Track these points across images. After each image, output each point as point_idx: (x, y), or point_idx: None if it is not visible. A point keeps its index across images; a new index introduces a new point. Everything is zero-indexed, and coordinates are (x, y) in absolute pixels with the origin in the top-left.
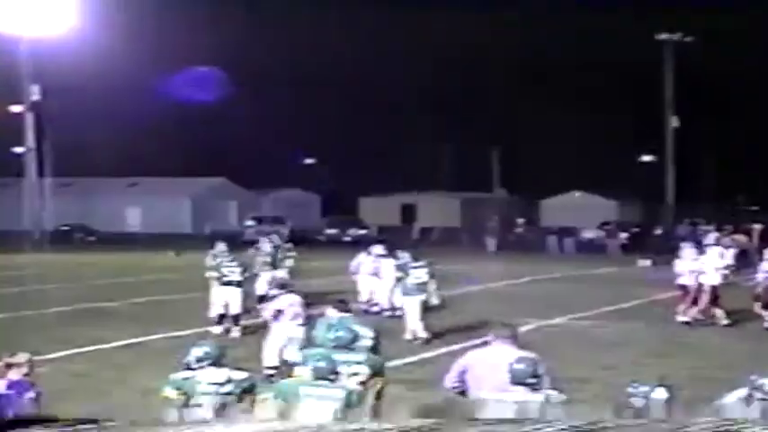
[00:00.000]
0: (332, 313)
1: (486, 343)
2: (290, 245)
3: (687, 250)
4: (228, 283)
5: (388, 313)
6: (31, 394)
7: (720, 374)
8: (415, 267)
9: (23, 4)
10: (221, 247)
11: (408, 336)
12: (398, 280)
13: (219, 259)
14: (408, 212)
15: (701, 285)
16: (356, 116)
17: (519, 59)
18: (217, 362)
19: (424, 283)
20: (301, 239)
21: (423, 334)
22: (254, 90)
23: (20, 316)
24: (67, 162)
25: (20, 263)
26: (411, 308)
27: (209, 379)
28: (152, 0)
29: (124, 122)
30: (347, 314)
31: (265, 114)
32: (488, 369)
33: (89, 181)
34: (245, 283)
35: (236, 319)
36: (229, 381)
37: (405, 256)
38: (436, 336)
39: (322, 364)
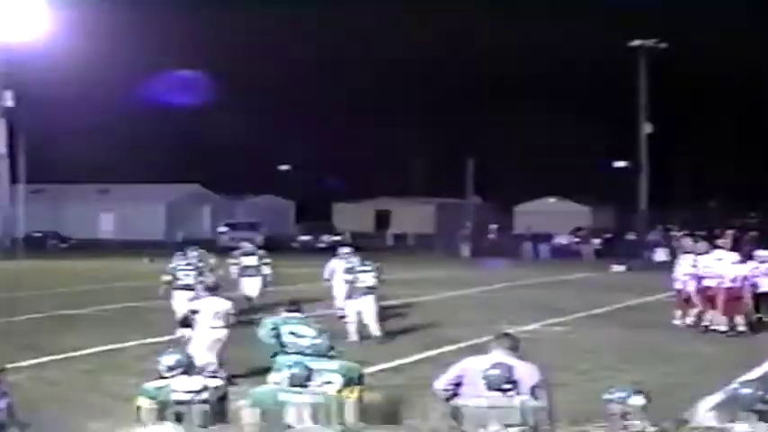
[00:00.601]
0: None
1: (484, 350)
2: (263, 252)
3: (686, 255)
4: (183, 288)
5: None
6: (1, 404)
7: (692, 380)
8: (364, 271)
9: None
10: (193, 252)
11: (354, 338)
12: (348, 283)
13: (176, 263)
14: (382, 219)
15: (706, 289)
16: (331, 123)
17: (492, 67)
18: (189, 369)
19: (373, 288)
20: (275, 246)
21: (377, 332)
22: (229, 96)
23: None
24: (40, 168)
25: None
26: (364, 309)
27: (183, 387)
28: (126, 6)
29: (97, 129)
30: (296, 314)
31: (240, 120)
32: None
33: (61, 187)
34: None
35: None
36: (206, 388)
37: (354, 260)
38: (411, 342)
39: (296, 370)
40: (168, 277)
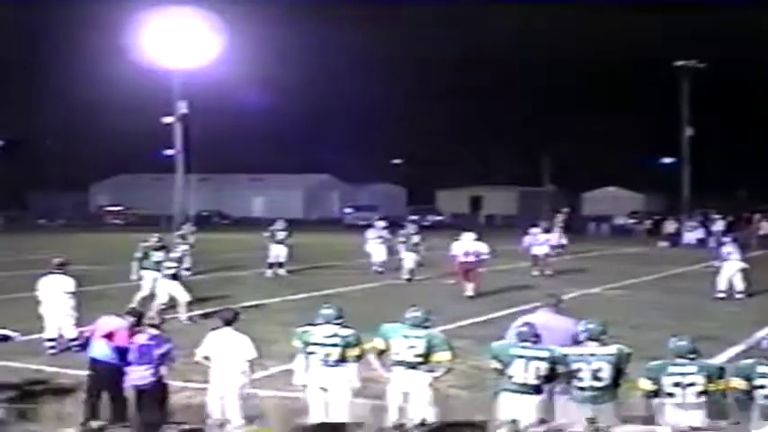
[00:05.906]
0: None
1: (534, 308)
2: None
3: None
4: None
5: None
6: (168, 346)
7: (722, 333)
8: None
9: (176, 41)
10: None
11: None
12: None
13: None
14: (475, 203)
15: None
16: (435, 124)
17: (567, 81)
18: (331, 321)
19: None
20: (390, 224)
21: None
22: (353, 104)
23: None
24: (207, 161)
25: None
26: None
27: (322, 333)
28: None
29: (251, 131)
30: None
31: (362, 124)
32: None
33: (223, 177)
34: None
35: None
36: (335, 335)
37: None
38: (498, 301)
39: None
40: None
